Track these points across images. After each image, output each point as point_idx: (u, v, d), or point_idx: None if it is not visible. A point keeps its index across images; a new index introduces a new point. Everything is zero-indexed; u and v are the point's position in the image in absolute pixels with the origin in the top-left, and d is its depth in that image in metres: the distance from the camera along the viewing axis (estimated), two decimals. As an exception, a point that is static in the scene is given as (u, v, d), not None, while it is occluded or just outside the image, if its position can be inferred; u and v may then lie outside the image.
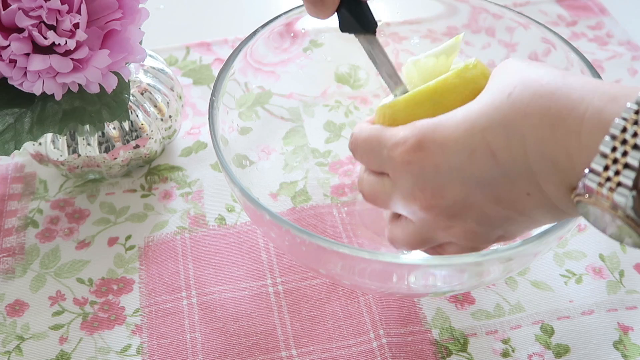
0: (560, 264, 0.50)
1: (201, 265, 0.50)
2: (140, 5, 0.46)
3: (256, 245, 0.51)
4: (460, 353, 0.45)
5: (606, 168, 0.28)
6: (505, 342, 0.45)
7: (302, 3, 0.51)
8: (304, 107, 0.58)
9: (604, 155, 0.28)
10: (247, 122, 0.53)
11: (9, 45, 0.43)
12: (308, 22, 0.53)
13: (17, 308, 0.48)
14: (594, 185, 0.29)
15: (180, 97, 0.57)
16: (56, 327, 0.47)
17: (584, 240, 0.51)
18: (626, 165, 0.28)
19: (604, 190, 0.28)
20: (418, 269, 0.39)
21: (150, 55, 0.56)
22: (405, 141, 0.35)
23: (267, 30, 0.50)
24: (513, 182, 0.32)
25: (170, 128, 0.56)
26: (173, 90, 0.56)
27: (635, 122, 0.27)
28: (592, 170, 0.29)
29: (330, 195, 0.54)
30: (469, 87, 0.36)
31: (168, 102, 0.55)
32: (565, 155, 0.30)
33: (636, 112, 0.28)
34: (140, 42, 0.48)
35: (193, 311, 0.47)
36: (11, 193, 0.55)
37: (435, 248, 0.39)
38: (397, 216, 0.40)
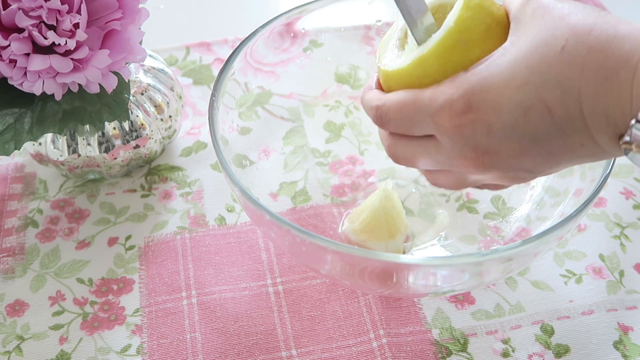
0: (560, 264, 0.50)
1: (201, 265, 0.50)
2: (140, 5, 0.46)
3: (256, 245, 0.51)
4: (460, 353, 0.45)
5: None
6: (505, 342, 0.45)
7: (302, 3, 0.51)
8: (304, 107, 0.58)
9: None
10: (247, 122, 0.53)
11: (9, 45, 0.43)
12: (308, 22, 0.53)
13: (17, 308, 0.48)
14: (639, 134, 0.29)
15: (180, 97, 0.57)
16: (56, 327, 0.47)
17: (584, 240, 0.51)
18: None
19: None
20: (418, 269, 0.39)
21: (150, 55, 0.56)
22: (451, 105, 0.33)
23: (267, 30, 0.50)
24: (568, 136, 0.32)
25: (170, 128, 0.56)
26: (173, 90, 0.56)
27: None
28: (639, 120, 0.29)
29: (330, 195, 0.54)
30: (483, 14, 0.34)
31: (168, 102, 0.55)
32: (617, 108, 0.30)
33: None
34: (140, 42, 0.48)
35: (193, 311, 0.47)
36: (11, 193, 0.55)
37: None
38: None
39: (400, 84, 0.36)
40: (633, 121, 0.29)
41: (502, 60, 0.32)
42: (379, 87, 0.39)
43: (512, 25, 0.34)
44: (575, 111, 0.31)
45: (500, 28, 0.34)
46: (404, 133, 0.37)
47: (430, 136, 0.35)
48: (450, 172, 0.37)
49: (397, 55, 0.37)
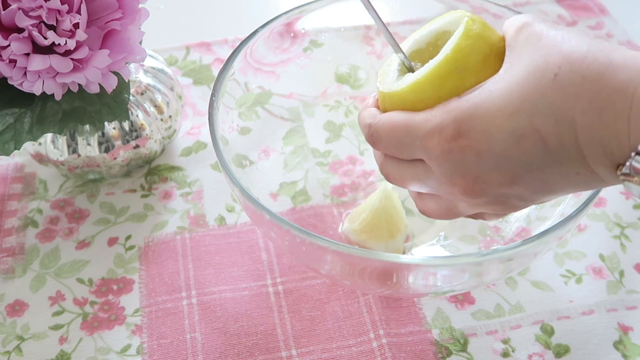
0: (560, 264, 0.50)
1: (201, 265, 0.50)
2: (140, 5, 0.46)
3: (256, 245, 0.51)
4: (460, 353, 0.45)
5: None
6: (505, 342, 0.45)
7: (302, 3, 0.51)
8: (304, 107, 0.58)
9: None
10: (247, 122, 0.53)
11: (9, 45, 0.43)
12: (308, 22, 0.53)
13: (17, 308, 0.48)
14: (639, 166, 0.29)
15: (180, 97, 0.57)
16: (56, 327, 0.47)
17: (584, 240, 0.51)
18: None
19: None
20: (418, 269, 0.39)
21: (150, 55, 0.56)
22: (441, 130, 0.32)
23: (267, 30, 0.50)
24: (563, 165, 0.31)
25: (170, 128, 0.56)
26: (173, 90, 0.56)
27: None
28: (638, 153, 0.29)
29: (330, 195, 0.54)
30: (482, 43, 0.34)
31: (168, 102, 0.55)
32: (614, 140, 0.29)
33: None
34: (140, 42, 0.48)
35: (193, 311, 0.47)
36: (11, 193, 0.55)
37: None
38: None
39: (394, 106, 0.36)
40: (633, 153, 0.29)
41: (495, 87, 0.32)
42: (377, 106, 0.38)
43: (506, 53, 0.34)
44: (569, 140, 0.30)
45: (498, 58, 0.34)
46: (393, 155, 0.36)
47: (420, 160, 0.35)
48: (440, 198, 0.36)
49: (396, 78, 0.37)
